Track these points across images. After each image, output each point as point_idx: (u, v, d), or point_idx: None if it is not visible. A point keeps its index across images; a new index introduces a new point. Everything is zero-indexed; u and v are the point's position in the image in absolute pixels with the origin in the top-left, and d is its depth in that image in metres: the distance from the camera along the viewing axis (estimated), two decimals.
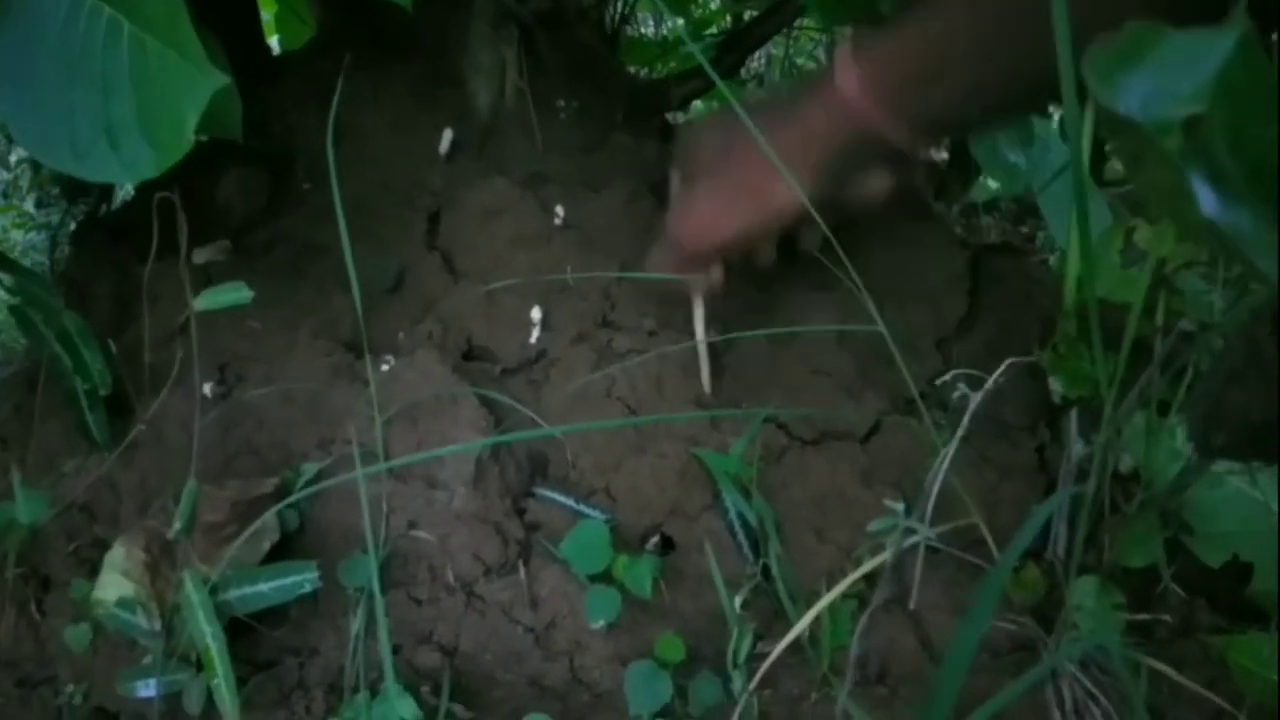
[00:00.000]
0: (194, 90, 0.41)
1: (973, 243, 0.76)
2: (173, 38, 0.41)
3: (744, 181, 0.59)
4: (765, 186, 0.57)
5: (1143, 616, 0.51)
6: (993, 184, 1.20)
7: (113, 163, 0.45)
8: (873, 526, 0.47)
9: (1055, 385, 0.57)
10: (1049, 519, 0.55)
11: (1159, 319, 0.52)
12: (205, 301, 0.48)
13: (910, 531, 0.46)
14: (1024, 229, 1.42)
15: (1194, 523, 0.52)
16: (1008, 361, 0.53)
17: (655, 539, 0.58)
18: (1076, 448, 0.50)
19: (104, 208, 1.07)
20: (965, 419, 0.47)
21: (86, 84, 0.45)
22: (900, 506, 0.47)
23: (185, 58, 0.41)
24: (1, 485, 0.67)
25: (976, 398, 0.48)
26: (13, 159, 1.58)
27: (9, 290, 0.60)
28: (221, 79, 0.41)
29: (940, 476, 0.46)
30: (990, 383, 0.51)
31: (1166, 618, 0.52)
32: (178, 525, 0.47)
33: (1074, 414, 0.52)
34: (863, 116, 0.53)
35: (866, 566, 0.46)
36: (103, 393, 0.59)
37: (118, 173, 0.45)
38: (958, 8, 0.51)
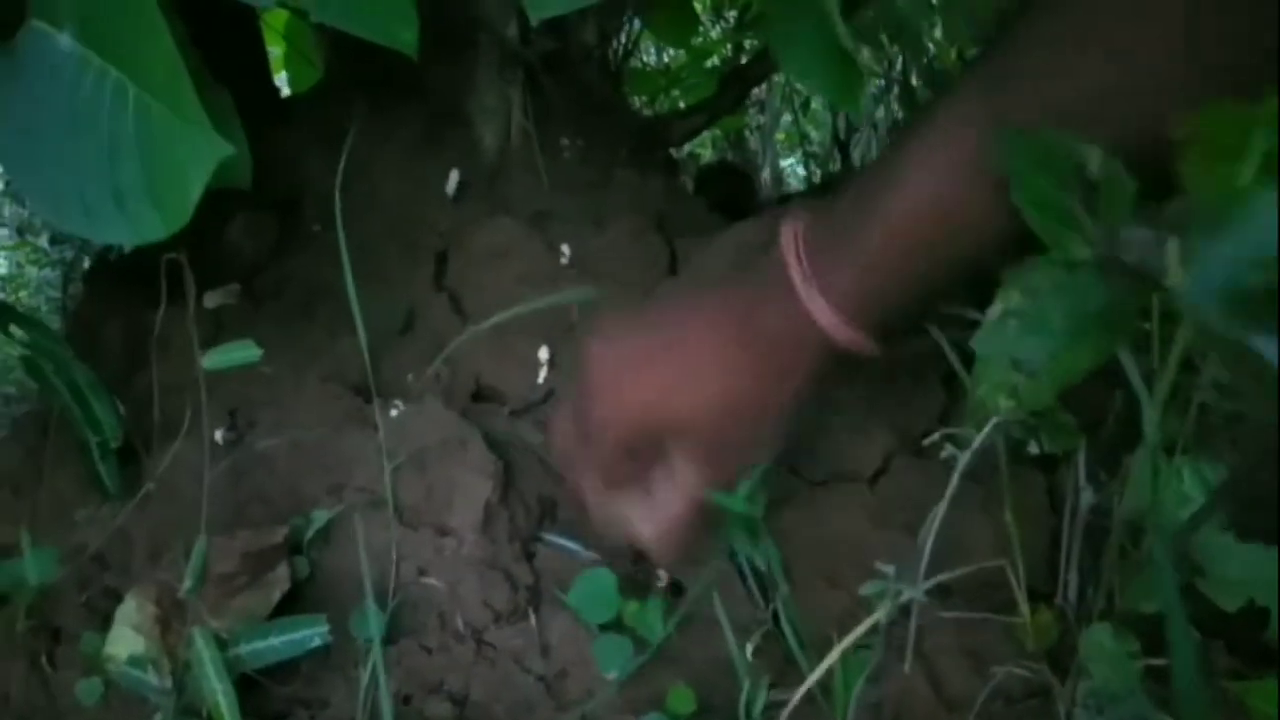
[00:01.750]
0: (199, 157, 0.41)
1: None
2: (176, 103, 0.41)
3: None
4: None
5: (1158, 662, 0.50)
6: None
7: (121, 225, 0.45)
8: (864, 590, 0.47)
9: (1037, 444, 0.56)
10: (1059, 561, 0.55)
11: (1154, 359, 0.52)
12: (213, 361, 0.48)
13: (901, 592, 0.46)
14: None
15: (1207, 567, 0.51)
16: (994, 420, 0.53)
17: (663, 582, 0.58)
18: (1085, 494, 0.50)
19: (116, 249, 1.08)
20: (957, 472, 0.47)
21: (94, 147, 0.46)
22: (891, 569, 0.46)
23: (187, 123, 0.41)
24: (10, 535, 0.68)
25: (975, 443, 0.48)
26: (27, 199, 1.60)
27: (20, 342, 0.60)
28: (226, 148, 0.41)
29: (933, 532, 0.45)
30: (978, 442, 0.50)
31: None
32: (188, 583, 0.48)
33: (1080, 458, 0.51)
34: (842, 339, 0.48)
35: (868, 622, 0.46)
36: (113, 445, 0.60)
37: (126, 234, 0.46)
38: (917, 191, 0.45)
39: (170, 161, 0.42)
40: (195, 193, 0.41)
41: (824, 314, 0.47)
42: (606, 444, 0.52)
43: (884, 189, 0.46)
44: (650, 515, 0.53)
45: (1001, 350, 0.43)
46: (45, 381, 0.61)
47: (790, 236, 0.49)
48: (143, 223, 0.43)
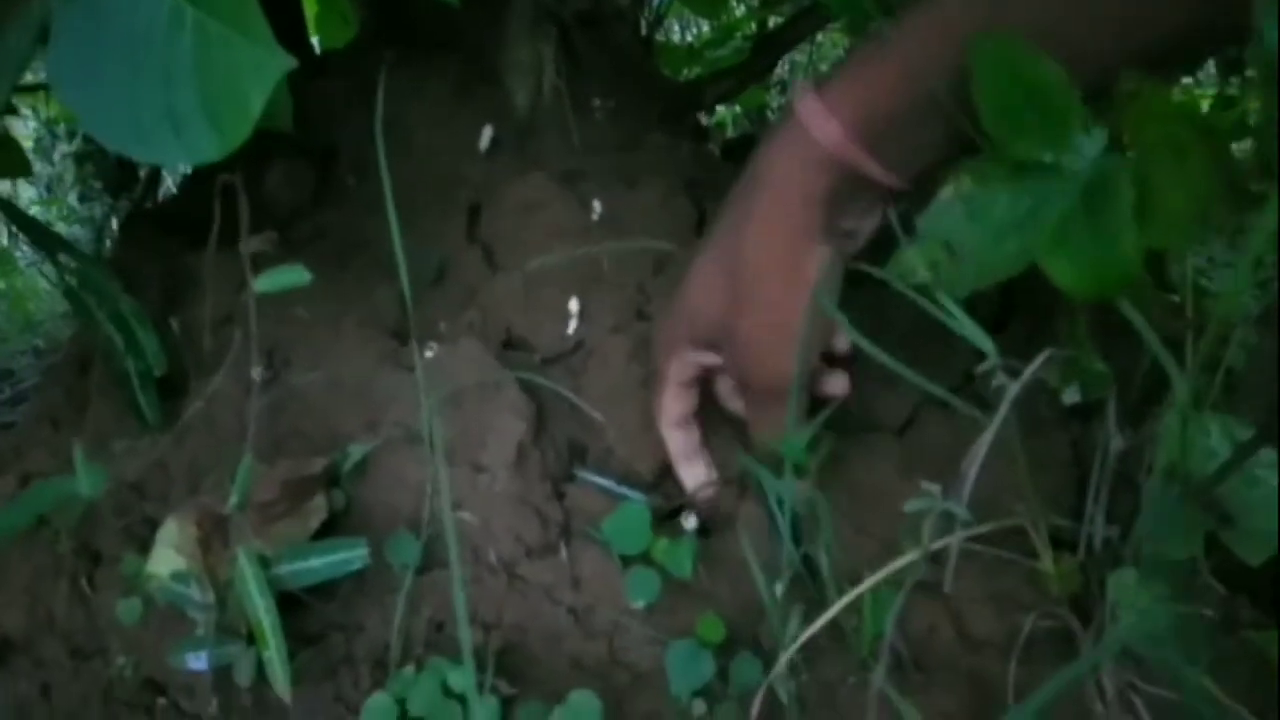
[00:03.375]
0: (260, 73, 0.42)
1: None
2: (239, 21, 0.42)
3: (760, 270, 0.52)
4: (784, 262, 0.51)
5: (1183, 610, 0.51)
6: None
7: (175, 147, 0.46)
8: (909, 506, 0.47)
9: (1068, 390, 0.57)
10: (1082, 509, 0.56)
11: (1189, 313, 0.52)
12: (264, 283, 0.49)
13: (947, 513, 0.47)
14: None
15: (1234, 519, 0.52)
16: (1045, 353, 0.54)
17: (693, 522, 0.59)
18: (1115, 442, 0.50)
19: (150, 199, 1.09)
20: (1005, 405, 0.47)
21: (149, 72, 0.46)
22: (937, 488, 0.47)
23: (252, 40, 0.42)
24: (52, 466, 0.69)
25: (1015, 386, 0.48)
26: (56, 155, 1.61)
27: (65, 273, 0.61)
28: (288, 60, 0.42)
29: (978, 461, 0.46)
30: (1028, 374, 0.52)
31: (1208, 612, 0.52)
32: (234, 500, 0.49)
33: (1111, 407, 0.52)
34: (849, 162, 0.49)
35: (910, 556, 0.47)
36: (157, 374, 0.61)
37: (180, 156, 0.47)
38: (931, 37, 0.47)
39: (229, 81, 0.43)
40: (256, 109, 0.42)
41: (826, 127, 0.48)
42: (665, 376, 0.57)
43: (892, 29, 0.48)
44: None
45: (942, 231, 0.47)
46: (88, 313, 0.62)
47: (806, 84, 0.50)
48: (199, 144, 0.44)
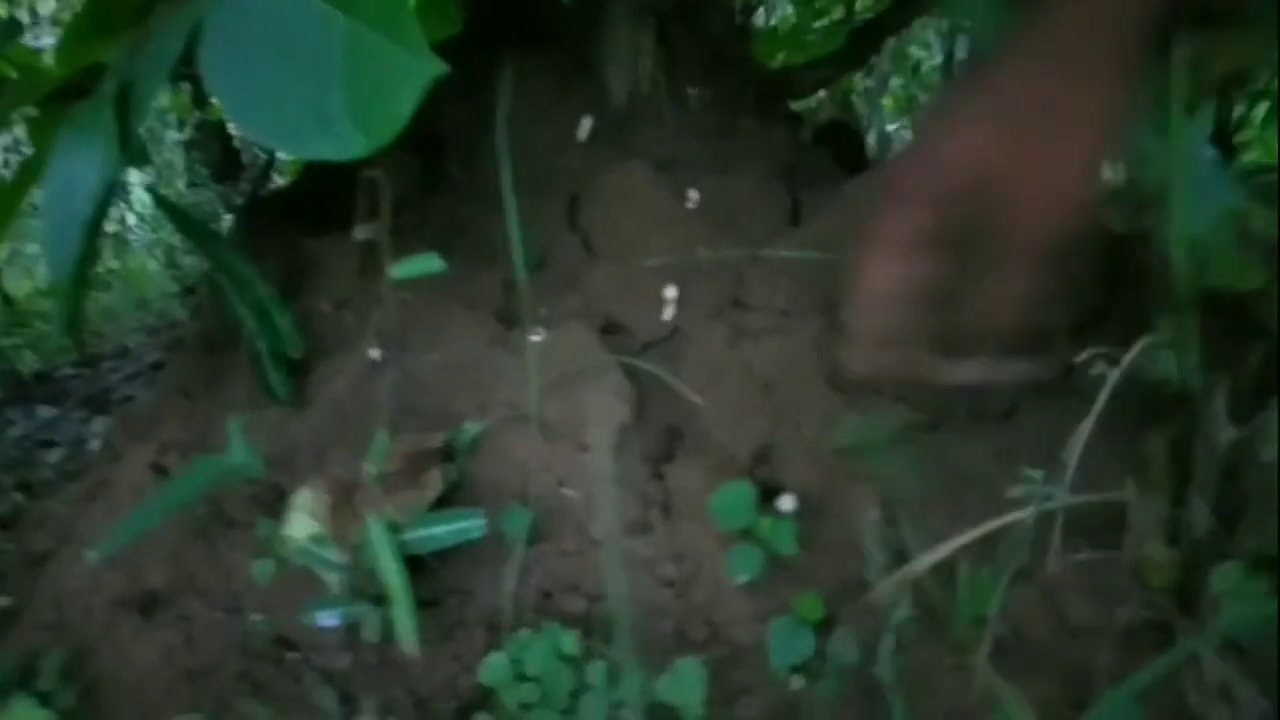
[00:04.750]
0: (411, 78, 0.45)
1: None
2: (393, 28, 0.45)
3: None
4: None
5: None
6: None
7: (323, 145, 0.49)
8: (1012, 492, 0.48)
9: (1165, 372, 0.57)
10: (1182, 503, 0.55)
11: None
12: (402, 270, 0.53)
13: (1048, 498, 0.47)
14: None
15: None
16: (1143, 341, 0.54)
17: (791, 504, 0.60)
18: (1225, 432, 0.50)
19: (263, 188, 1.15)
20: (1104, 393, 0.48)
21: (299, 74, 0.50)
22: (1039, 474, 0.48)
23: (405, 47, 0.45)
24: (186, 436, 0.75)
25: (1114, 374, 0.48)
26: (166, 144, 1.70)
27: (206, 258, 0.66)
28: (440, 66, 0.45)
29: (1079, 447, 0.47)
30: (1126, 361, 0.52)
31: None
32: (372, 469, 0.52)
33: (1219, 398, 0.52)
34: None
35: (1007, 517, 0.48)
36: (291, 355, 0.65)
37: (328, 153, 0.49)
38: None
39: (380, 85, 0.46)
40: (406, 112, 0.45)
41: None
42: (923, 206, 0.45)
43: None
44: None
45: None
46: (223, 296, 0.66)
47: None
48: (347, 143, 0.47)
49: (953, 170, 0.45)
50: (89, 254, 0.62)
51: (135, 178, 1.81)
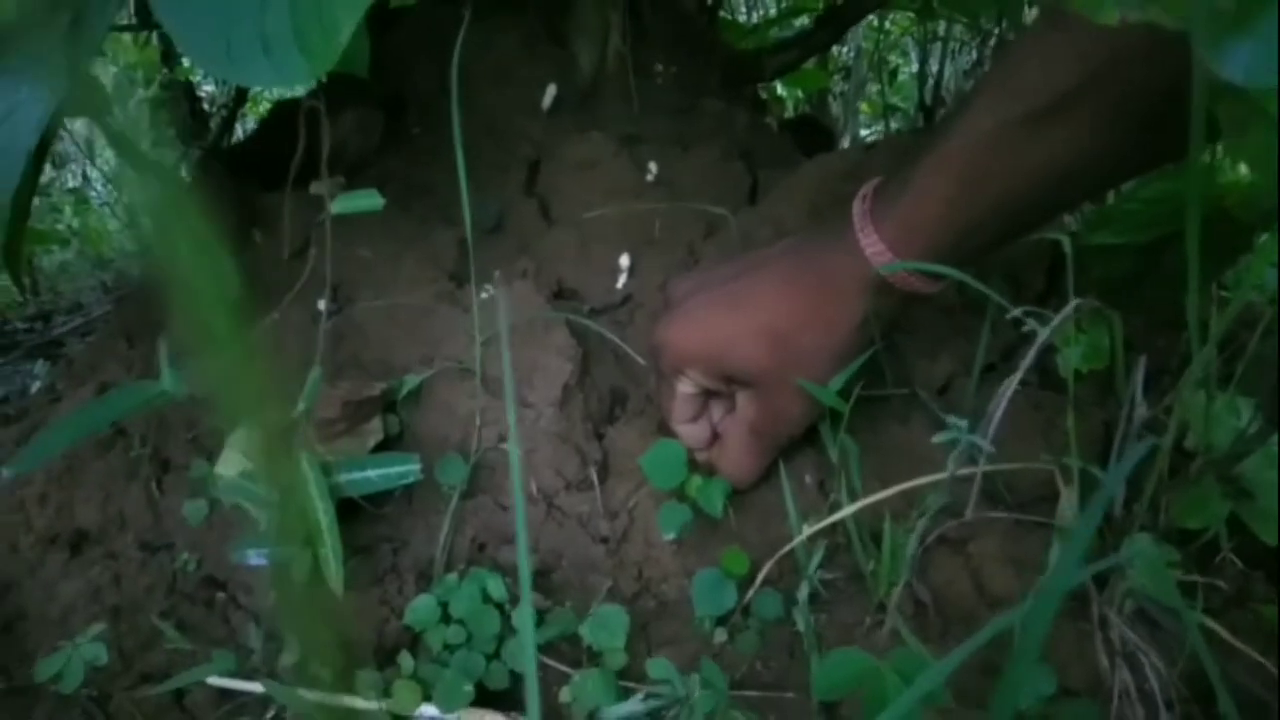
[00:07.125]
0: (352, 2, 0.45)
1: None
2: None
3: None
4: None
5: (1197, 579, 0.52)
6: None
7: (265, 70, 0.48)
8: (937, 438, 0.49)
9: (1070, 359, 0.59)
10: (1098, 477, 0.57)
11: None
12: (340, 206, 0.52)
13: (971, 449, 0.49)
14: None
15: (1253, 498, 0.53)
16: (1071, 305, 0.55)
17: None
18: (1140, 409, 0.52)
19: (223, 144, 1.14)
20: (1030, 354, 0.49)
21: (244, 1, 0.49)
22: (964, 422, 0.49)
23: None
24: (127, 378, 0.74)
25: (1044, 333, 0.49)
26: (132, 101, 1.68)
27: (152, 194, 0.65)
28: None
29: (1004, 402, 0.48)
30: (1057, 321, 0.53)
31: (1222, 584, 0.53)
32: (301, 406, 0.52)
33: (1139, 375, 0.53)
34: (898, 282, 0.52)
35: (931, 477, 0.49)
36: (230, 295, 0.64)
37: (269, 79, 0.49)
38: (972, 125, 0.48)
39: (320, 8, 0.46)
40: (344, 37, 0.45)
41: (872, 245, 0.51)
42: (673, 386, 0.57)
43: (943, 127, 0.50)
44: (720, 446, 0.58)
45: None
46: (169, 237, 0.65)
47: (868, 188, 0.53)
48: (288, 68, 0.47)
49: (726, 361, 0.55)
50: (31, 184, 0.61)
51: (98, 135, 1.78)
